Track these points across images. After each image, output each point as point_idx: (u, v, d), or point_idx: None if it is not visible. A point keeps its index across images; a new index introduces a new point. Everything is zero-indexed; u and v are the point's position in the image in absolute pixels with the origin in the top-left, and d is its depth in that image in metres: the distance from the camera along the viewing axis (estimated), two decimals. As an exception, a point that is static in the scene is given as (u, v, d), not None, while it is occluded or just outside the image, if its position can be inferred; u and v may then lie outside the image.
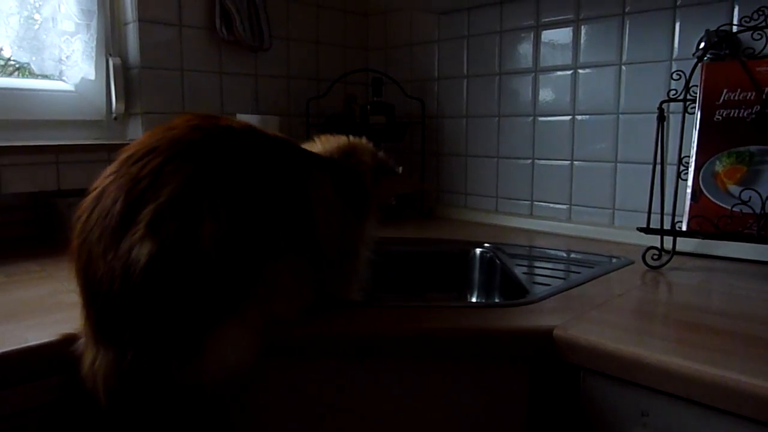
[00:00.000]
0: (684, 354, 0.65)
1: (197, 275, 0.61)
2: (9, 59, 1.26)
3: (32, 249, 1.16)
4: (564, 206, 1.38)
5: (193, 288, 0.60)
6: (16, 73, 1.31)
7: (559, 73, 1.35)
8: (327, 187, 0.80)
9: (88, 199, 0.65)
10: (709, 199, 0.96)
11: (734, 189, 0.94)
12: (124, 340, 0.60)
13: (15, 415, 0.68)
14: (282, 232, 0.70)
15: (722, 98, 0.98)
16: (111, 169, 0.67)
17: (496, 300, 1.15)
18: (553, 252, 1.19)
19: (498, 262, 1.15)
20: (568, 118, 1.35)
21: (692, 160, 1.00)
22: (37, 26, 1.21)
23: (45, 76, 1.27)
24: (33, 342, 0.68)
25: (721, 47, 1.05)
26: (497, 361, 0.77)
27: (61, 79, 1.26)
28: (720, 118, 0.98)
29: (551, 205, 1.40)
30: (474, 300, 1.20)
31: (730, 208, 0.94)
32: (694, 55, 1.09)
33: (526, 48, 1.40)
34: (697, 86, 1.02)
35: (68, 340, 0.68)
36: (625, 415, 0.69)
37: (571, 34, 1.32)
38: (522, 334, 0.75)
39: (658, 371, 0.64)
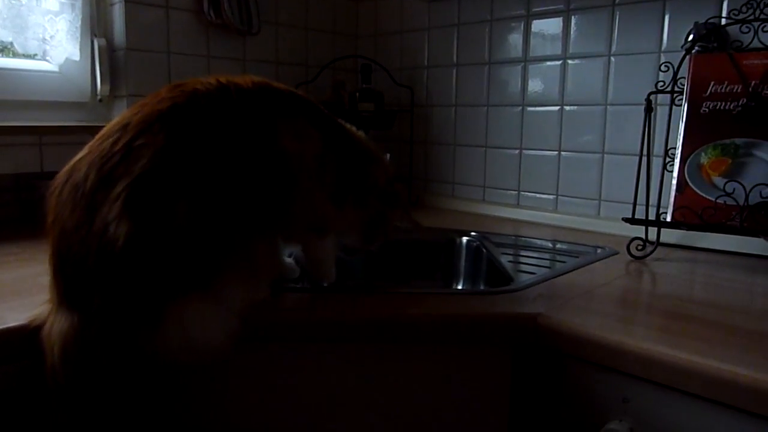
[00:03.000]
0: (666, 342, 0.65)
1: (169, 250, 0.61)
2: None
3: (13, 231, 1.14)
4: (551, 197, 1.38)
5: (163, 261, 0.61)
6: (1, 53, 1.29)
7: (549, 63, 1.35)
8: (309, 141, 0.77)
9: (60, 175, 0.66)
10: (694, 190, 0.97)
11: (719, 181, 0.95)
12: (91, 307, 0.61)
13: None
14: (257, 206, 0.69)
15: (709, 90, 0.99)
16: (84, 148, 0.67)
17: (482, 288, 1.15)
18: (538, 242, 1.19)
19: (484, 250, 1.15)
20: (556, 108, 1.35)
21: (678, 151, 1.00)
22: (20, 5, 1.19)
23: (29, 56, 1.25)
24: (11, 323, 0.68)
25: (710, 40, 1.05)
26: (480, 348, 0.77)
27: (45, 59, 1.24)
28: (707, 110, 0.99)
29: (538, 195, 1.40)
30: (460, 288, 1.21)
31: (714, 199, 0.95)
32: (682, 47, 1.10)
33: (516, 37, 1.40)
34: (684, 78, 1.02)
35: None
36: (606, 402, 0.70)
37: (561, 24, 1.32)
38: (505, 320, 0.76)
39: (640, 359, 0.65)
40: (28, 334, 0.67)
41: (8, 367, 0.68)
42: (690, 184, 0.98)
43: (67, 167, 0.67)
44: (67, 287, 0.64)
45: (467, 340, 0.76)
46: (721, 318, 0.74)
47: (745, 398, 0.58)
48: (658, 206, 1.03)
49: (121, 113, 0.71)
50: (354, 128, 0.90)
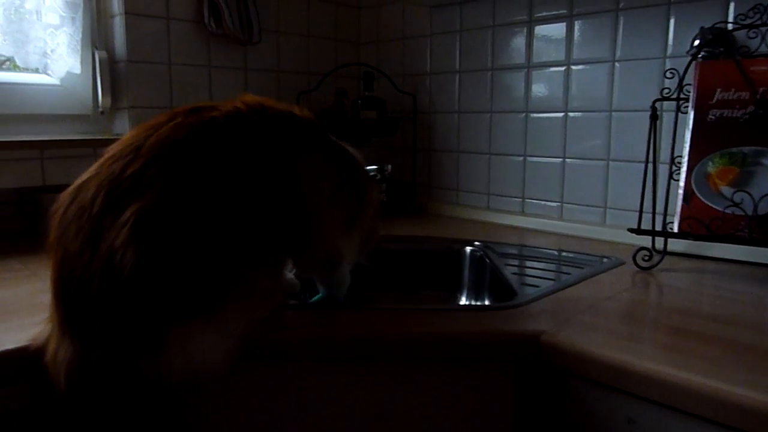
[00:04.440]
0: (672, 362, 0.64)
1: (174, 279, 0.60)
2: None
3: (16, 246, 1.14)
4: (556, 204, 1.36)
5: (167, 289, 0.60)
6: (3, 66, 1.29)
7: (552, 69, 1.34)
8: (326, 180, 0.78)
9: (66, 194, 0.65)
10: (700, 200, 0.95)
11: (726, 190, 0.93)
12: (93, 333, 0.60)
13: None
14: (266, 236, 0.69)
15: (716, 98, 0.97)
16: (93, 167, 0.66)
17: (486, 300, 1.14)
18: (543, 251, 1.18)
19: (488, 261, 1.14)
20: (560, 114, 1.33)
21: (684, 160, 0.99)
22: (20, 19, 1.19)
23: (30, 71, 1.25)
24: (9, 346, 0.67)
25: (716, 45, 1.03)
26: (484, 365, 0.76)
27: (46, 73, 1.23)
28: (713, 118, 0.97)
29: (543, 202, 1.39)
30: (464, 299, 1.19)
31: (722, 209, 0.93)
32: (688, 52, 1.08)
33: (519, 43, 1.39)
34: (690, 85, 1.01)
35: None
36: (611, 422, 0.68)
37: (565, 29, 1.30)
38: (509, 338, 0.74)
39: (646, 379, 0.63)
40: (27, 357, 0.67)
41: (7, 390, 0.67)
42: (697, 193, 0.96)
43: (74, 185, 0.65)
44: (68, 311, 0.63)
45: (470, 358, 0.75)
46: (731, 335, 0.72)
47: (754, 422, 0.56)
48: (665, 215, 1.01)
49: (133, 128, 0.70)
50: (350, 148, 0.89)
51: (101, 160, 0.66)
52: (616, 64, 1.23)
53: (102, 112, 1.34)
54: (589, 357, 0.68)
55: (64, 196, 0.65)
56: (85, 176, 0.65)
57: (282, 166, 0.72)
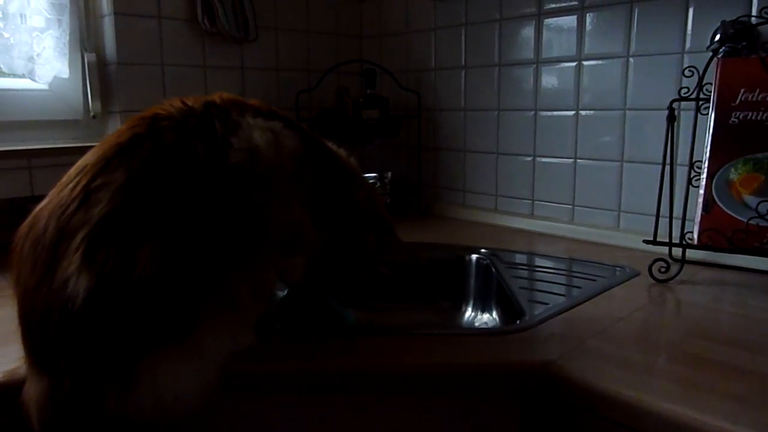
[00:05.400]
0: (692, 401, 0.58)
1: (134, 301, 0.56)
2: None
3: (4, 259, 1.10)
4: (567, 206, 1.30)
5: (129, 315, 0.56)
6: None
7: (563, 64, 1.26)
8: (288, 147, 0.70)
9: (22, 228, 0.61)
10: (722, 209, 0.89)
11: (750, 200, 0.87)
12: (59, 370, 0.57)
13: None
14: (230, 246, 0.63)
15: (739, 99, 0.90)
16: (52, 190, 0.62)
17: (493, 311, 1.08)
18: (553, 260, 1.12)
19: (494, 270, 1.08)
20: (571, 113, 1.26)
21: (705, 166, 0.92)
22: (4, 24, 1.14)
23: (16, 76, 1.21)
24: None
25: (738, 40, 0.96)
26: (487, 397, 0.71)
27: (32, 78, 1.19)
28: (736, 120, 0.90)
29: (553, 204, 1.32)
30: (469, 311, 1.14)
31: (745, 221, 0.86)
32: (708, 48, 1.01)
33: (527, 37, 1.31)
34: (711, 84, 0.93)
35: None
36: (625, 463, 0.63)
37: (576, 22, 1.23)
38: (515, 369, 0.69)
39: (661, 421, 0.58)
40: (4, 392, 0.63)
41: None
42: (718, 202, 0.89)
43: (29, 218, 0.62)
44: (34, 349, 0.60)
45: (474, 390, 0.70)
46: (757, 366, 0.66)
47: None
48: (683, 223, 0.95)
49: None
50: (338, 148, 0.83)
51: (55, 188, 0.62)
52: (631, 60, 1.16)
53: (93, 117, 1.29)
54: (599, 393, 0.63)
55: (21, 230, 0.61)
56: (40, 205, 0.62)
57: (242, 174, 0.65)
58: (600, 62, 1.21)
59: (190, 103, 0.68)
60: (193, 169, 0.62)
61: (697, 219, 0.91)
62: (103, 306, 0.55)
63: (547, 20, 1.28)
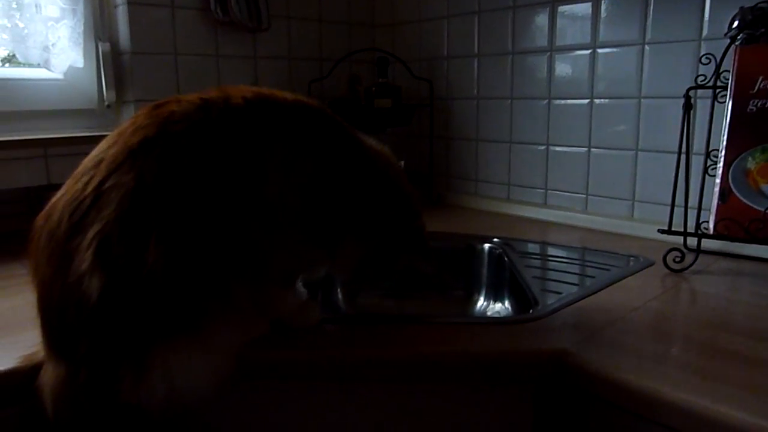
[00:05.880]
0: (707, 392, 0.58)
1: (147, 298, 0.57)
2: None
3: (23, 246, 1.12)
4: (580, 196, 1.29)
5: (141, 310, 0.58)
6: (8, 64, 1.25)
7: (577, 52, 1.25)
8: (297, 184, 0.67)
9: (39, 218, 0.63)
10: (739, 199, 0.88)
11: (768, 189, 0.86)
12: (76, 358, 0.59)
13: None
14: (235, 249, 0.63)
15: (757, 86, 0.89)
16: (68, 181, 0.63)
17: (506, 300, 1.08)
18: (566, 250, 1.11)
19: (507, 260, 1.08)
20: (585, 101, 1.25)
21: (721, 154, 0.91)
22: (19, 13, 1.14)
23: (32, 66, 1.21)
24: (1, 367, 0.64)
25: (757, 27, 0.94)
26: (500, 386, 0.71)
27: (48, 68, 1.20)
28: (754, 108, 0.89)
29: (567, 194, 1.32)
30: (482, 300, 1.14)
31: (763, 210, 0.85)
32: (726, 35, 0.99)
33: (541, 25, 1.30)
34: (728, 72, 0.92)
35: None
36: (639, 452, 0.63)
37: (591, 9, 1.22)
38: (529, 357, 0.69)
39: (676, 411, 0.58)
40: (20, 378, 0.64)
41: (4, 412, 0.65)
42: (735, 191, 0.88)
43: (46, 208, 0.63)
44: (53, 337, 0.61)
45: (486, 379, 0.70)
46: (772, 355, 0.66)
47: (801, 466, 0.51)
48: (698, 212, 0.94)
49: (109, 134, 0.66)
50: (374, 143, 0.79)
51: (70, 178, 0.63)
52: (646, 47, 1.15)
53: (108, 106, 1.30)
54: (614, 383, 0.62)
55: (39, 220, 0.62)
56: (56, 196, 0.62)
57: (246, 163, 0.64)
58: (615, 50, 1.19)
59: (207, 99, 0.65)
60: (209, 180, 0.62)
61: (713, 208, 0.90)
62: (115, 303, 0.57)
63: (561, 7, 1.27)
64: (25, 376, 0.64)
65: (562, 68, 1.28)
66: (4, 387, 0.64)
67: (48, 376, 0.61)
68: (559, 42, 1.28)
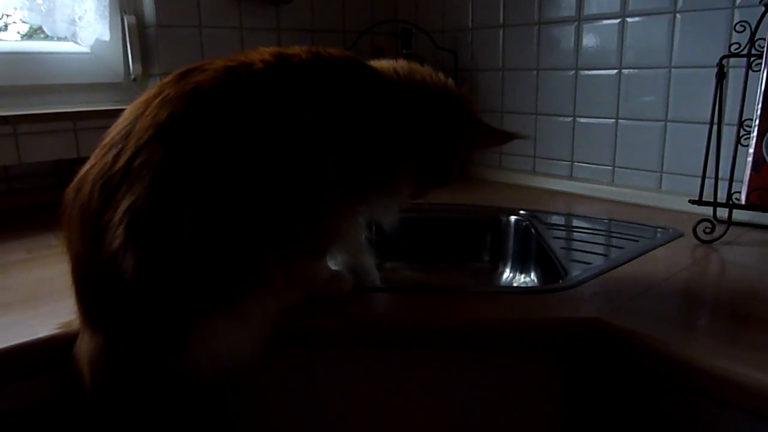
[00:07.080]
0: (737, 357, 0.58)
1: (181, 272, 0.58)
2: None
3: (54, 218, 1.14)
4: (607, 168, 1.28)
5: (176, 284, 0.58)
6: (34, 36, 1.26)
7: (605, 21, 1.23)
8: (331, 137, 0.67)
9: (70, 189, 0.63)
10: (773, 169, 0.87)
11: (803, 159, 0.84)
12: (114, 330, 0.60)
13: (15, 414, 0.66)
14: (274, 214, 0.63)
15: (794, 54, 0.87)
16: (93, 155, 0.63)
17: (532, 272, 1.09)
18: (593, 221, 1.11)
19: (533, 231, 1.08)
20: (614, 72, 1.23)
21: (755, 124, 0.89)
22: (46, -14, 1.15)
23: (59, 39, 1.22)
24: (41, 334, 0.66)
25: (795, -8, 0.92)
26: (531, 354, 0.72)
27: (75, 41, 1.20)
28: (790, 77, 0.87)
29: (593, 166, 1.31)
30: (508, 271, 1.14)
31: (797, 180, 0.84)
32: (761, 2, 0.96)
33: (568, -6, 1.28)
34: (763, 39, 0.90)
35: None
36: (671, 418, 0.64)
37: (620, -23, 1.19)
38: (559, 327, 0.69)
39: (709, 376, 0.58)
40: (56, 346, 0.66)
41: (41, 378, 0.67)
42: (768, 161, 0.87)
43: (76, 179, 0.62)
44: (89, 308, 0.62)
45: (517, 347, 0.70)
46: (805, 324, 0.65)
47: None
48: (730, 183, 0.93)
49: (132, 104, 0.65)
50: (397, 62, 0.83)
51: (98, 148, 0.62)
52: (678, 16, 1.12)
53: (134, 79, 1.31)
54: (646, 349, 0.63)
55: (69, 192, 0.62)
56: (85, 167, 0.62)
57: (279, 130, 0.63)
58: (645, 19, 1.17)
59: (234, 65, 0.65)
60: (230, 151, 0.61)
61: (746, 179, 0.89)
62: (150, 279, 0.57)
63: (590, -25, 1.24)
64: (62, 343, 0.65)
65: (590, 38, 1.26)
66: (42, 353, 0.66)
67: (85, 347, 0.62)
68: (587, 11, 1.26)
